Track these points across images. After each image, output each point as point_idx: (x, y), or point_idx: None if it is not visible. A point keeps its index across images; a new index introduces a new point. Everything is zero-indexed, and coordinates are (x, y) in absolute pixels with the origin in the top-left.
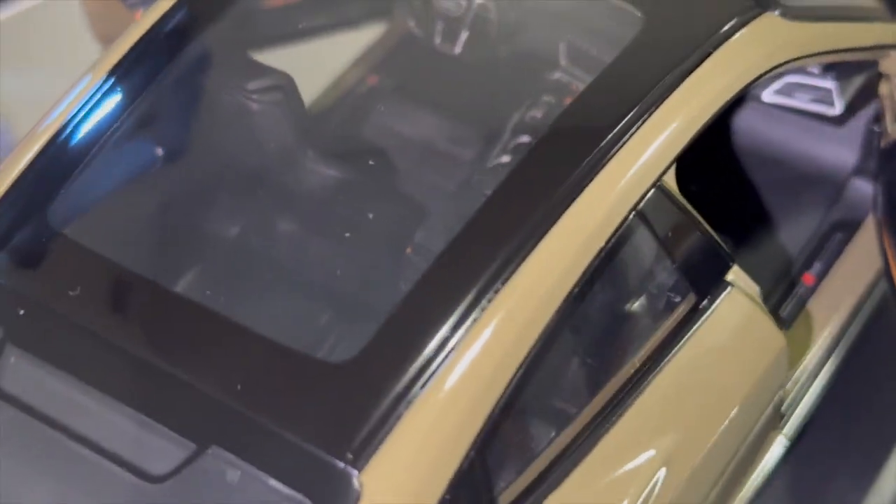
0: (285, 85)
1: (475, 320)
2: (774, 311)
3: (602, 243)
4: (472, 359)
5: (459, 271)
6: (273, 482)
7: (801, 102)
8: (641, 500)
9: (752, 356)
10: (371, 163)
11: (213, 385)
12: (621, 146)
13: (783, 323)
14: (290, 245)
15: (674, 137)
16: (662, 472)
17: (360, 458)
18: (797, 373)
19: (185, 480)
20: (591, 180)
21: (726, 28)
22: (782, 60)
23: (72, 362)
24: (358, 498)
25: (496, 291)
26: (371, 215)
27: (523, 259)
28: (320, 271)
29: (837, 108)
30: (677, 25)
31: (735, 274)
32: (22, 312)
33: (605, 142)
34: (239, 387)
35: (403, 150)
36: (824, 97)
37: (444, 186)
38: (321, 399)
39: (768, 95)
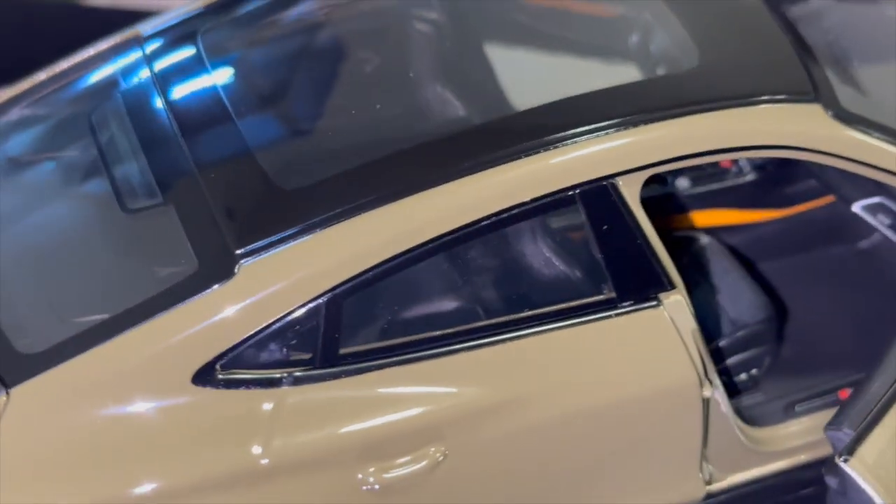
0: None
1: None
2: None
3: (512, 203)
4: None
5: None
6: None
7: (879, 224)
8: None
9: (644, 376)
10: None
11: None
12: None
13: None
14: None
15: (642, 153)
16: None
17: None
18: None
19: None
20: (534, 154)
21: (767, 96)
22: (806, 146)
23: None
24: None
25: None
26: None
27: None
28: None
29: None
30: (723, 74)
31: (672, 299)
32: None
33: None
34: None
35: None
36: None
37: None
38: None
39: (857, 207)
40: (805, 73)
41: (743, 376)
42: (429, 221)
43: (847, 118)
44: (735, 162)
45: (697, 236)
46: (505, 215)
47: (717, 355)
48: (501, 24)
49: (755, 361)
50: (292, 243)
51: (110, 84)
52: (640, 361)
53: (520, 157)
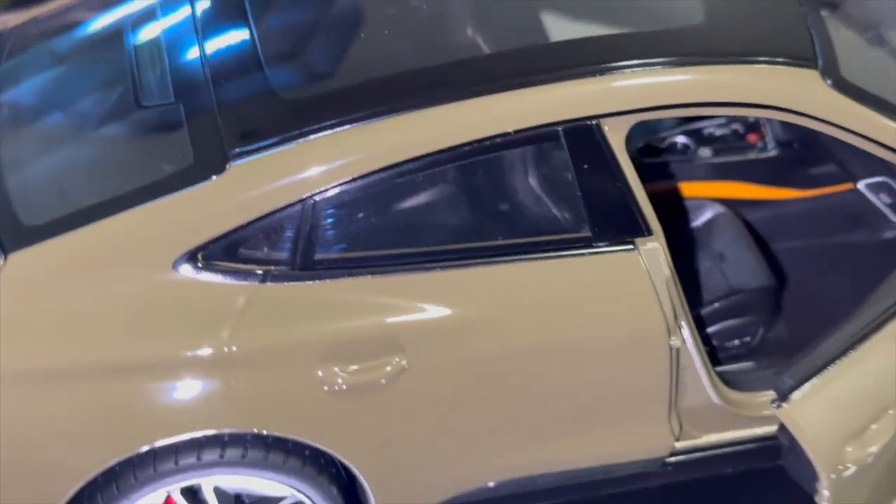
0: None
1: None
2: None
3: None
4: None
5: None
6: None
7: (879, 202)
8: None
9: (611, 317)
10: None
11: None
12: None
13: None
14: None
15: (629, 96)
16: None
17: None
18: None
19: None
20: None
21: (765, 57)
22: (797, 109)
23: None
24: None
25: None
26: None
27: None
28: None
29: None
30: (724, 32)
31: (649, 246)
32: None
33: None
34: None
35: None
36: (894, 203)
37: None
38: None
39: (861, 185)
40: (809, 41)
41: (736, 342)
42: (413, 141)
43: (844, 87)
44: (761, 137)
45: (714, 204)
46: (488, 143)
47: (711, 318)
48: None
49: (748, 329)
50: (281, 148)
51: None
52: (608, 302)
53: (509, 90)
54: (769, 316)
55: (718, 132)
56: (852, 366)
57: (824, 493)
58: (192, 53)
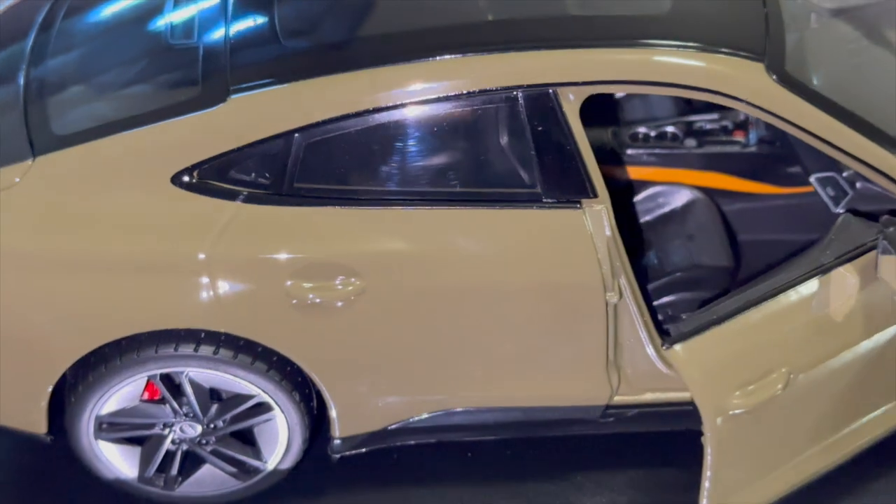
0: None
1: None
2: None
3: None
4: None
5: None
6: None
7: (824, 194)
8: None
9: (552, 267)
10: None
11: None
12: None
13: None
14: None
15: (584, 70)
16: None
17: None
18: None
19: None
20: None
21: (715, 46)
22: (738, 96)
23: None
24: None
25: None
26: None
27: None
28: None
29: (838, 209)
30: (685, 21)
31: (594, 207)
32: None
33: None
34: None
35: None
36: (836, 196)
37: None
38: None
39: (812, 178)
40: (763, 36)
41: (688, 315)
42: (386, 90)
43: (786, 80)
44: (746, 134)
45: (694, 191)
46: (455, 99)
47: (669, 287)
48: None
49: (702, 303)
50: (275, 87)
51: None
52: (551, 253)
53: (481, 54)
54: (722, 294)
55: (708, 126)
56: (750, 324)
57: (707, 435)
58: (220, 4)
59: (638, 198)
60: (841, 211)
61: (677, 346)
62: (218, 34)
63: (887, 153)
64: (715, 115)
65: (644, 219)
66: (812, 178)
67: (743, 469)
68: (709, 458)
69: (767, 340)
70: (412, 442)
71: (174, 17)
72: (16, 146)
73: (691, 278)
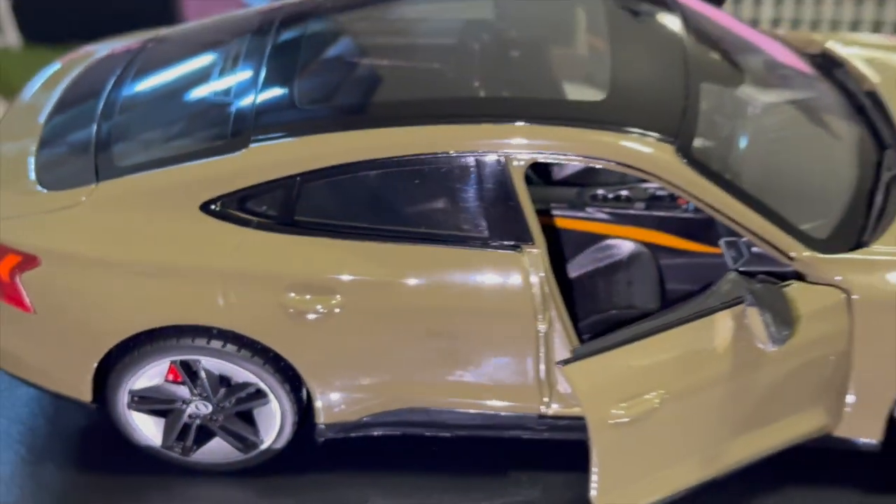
0: None
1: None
2: None
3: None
4: None
5: None
6: None
7: (728, 257)
8: None
9: (494, 297)
10: None
11: None
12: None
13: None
14: None
15: (529, 142)
16: None
17: None
18: None
19: None
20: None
21: (634, 128)
22: (648, 170)
23: None
24: None
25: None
26: None
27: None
28: None
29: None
30: (615, 106)
31: (532, 252)
32: None
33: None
34: None
35: None
36: (735, 257)
37: None
38: None
39: (721, 241)
40: (679, 119)
41: None
42: (368, 149)
43: (691, 160)
44: (686, 200)
45: (639, 245)
46: (422, 159)
47: (604, 322)
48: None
49: None
50: (287, 140)
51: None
52: (493, 287)
53: (441, 123)
54: None
55: (657, 193)
56: (634, 352)
57: (591, 438)
58: (253, 71)
59: (592, 248)
60: (737, 269)
61: (572, 365)
62: (249, 97)
63: (768, 224)
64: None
65: (595, 265)
66: (721, 241)
67: (626, 469)
68: (594, 457)
69: (647, 367)
70: (382, 433)
71: (218, 81)
72: (85, 173)
73: (624, 316)
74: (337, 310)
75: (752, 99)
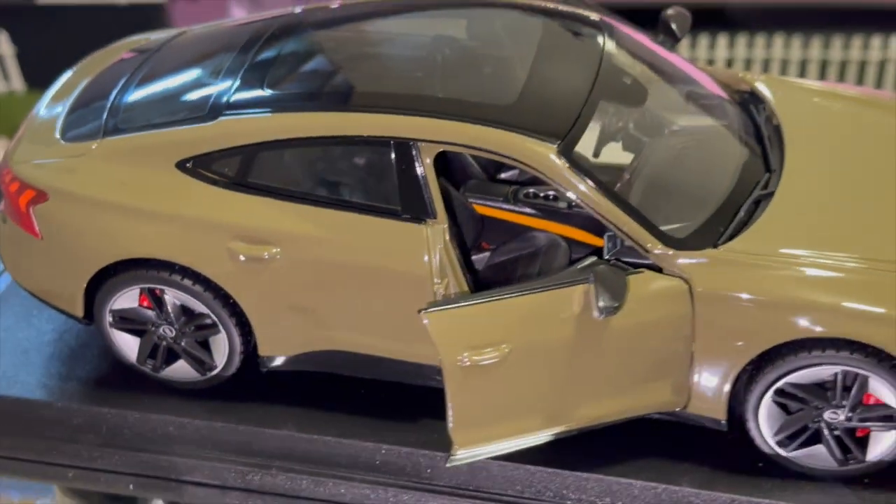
0: None
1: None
2: None
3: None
4: None
5: None
6: None
7: (607, 247)
8: None
9: (398, 257)
10: None
11: None
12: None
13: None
14: None
15: (431, 133)
16: None
17: None
18: None
19: None
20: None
21: (524, 129)
22: (534, 167)
23: None
24: None
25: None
26: None
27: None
28: None
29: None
30: (516, 109)
31: (434, 226)
32: None
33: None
34: None
35: None
36: (610, 248)
37: None
38: None
39: (605, 235)
40: (567, 126)
41: None
42: (317, 127)
43: (570, 161)
44: None
45: (556, 237)
46: (354, 140)
47: None
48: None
49: None
50: (250, 115)
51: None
52: (399, 252)
53: (373, 112)
54: None
55: None
56: (490, 309)
57: (444, 375)
58: (238, 67)
59: (519, 237)
60: (607, 258)
61: (430, 312)
62: (228, 84)
63: (631, 221)
64: None
65: (518, 252)
66: (605, 235)
67: (478, 410)
68: (447, 394)
69: (497, 323)
70: (314, 370)
71: (210, 75)
72: (94, 132)
73: None
74: (274, 259)
75: (655, 117)
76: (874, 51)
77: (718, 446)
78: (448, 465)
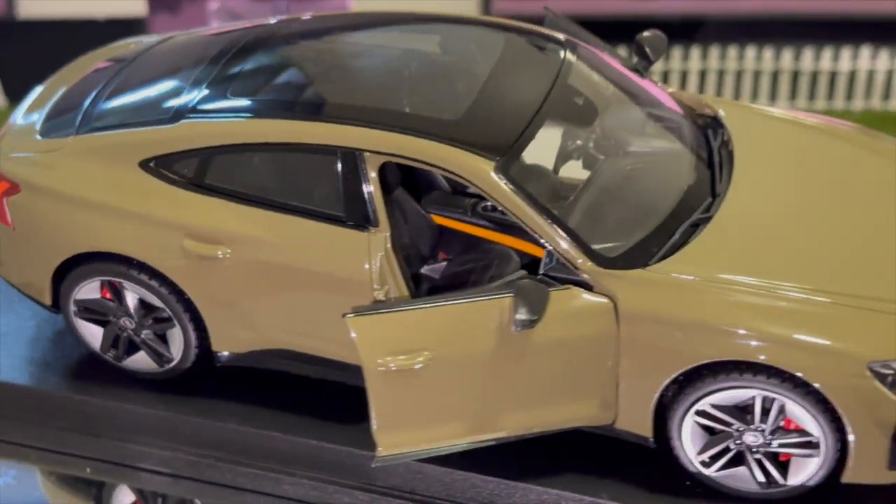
0: None
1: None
2: None
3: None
4: None
5: None
6: None
7: (545, 258)
8: None
9: (339, 263)
10: None
11: None
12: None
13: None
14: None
15: (376, 143)
16: None
17: None
18: None
19: None
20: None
21: (462, 143)
22: (472, 181)
23: None
24: None
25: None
26: None
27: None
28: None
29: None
30: (458, 124)
31: (376, 234)
32: None
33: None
34: None
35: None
36: (546, 263)
37: None
38: None
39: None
40: (509, 144)
41: None
42: (268, 133)
43: (507, 177)
44: None
45: (508, 249)
46: (303, 147)
47: None
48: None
49: None
50: (209, 119)
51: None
52: (341, 257)
53: (326, 122)
54: None
55: None
56: (413, 316)
57: (365, 380)
58: (208, 74)
59: (475, 249)
60: (541, 272)
61: (354, 317)
62: (195, 91)
63: (562, 238)
64: None
65: (474, 264)
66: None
67: (401, 414)
68: (369, 397)
69: (419, 330)
70: (266, 367)
71: (181, 83)
72: (69, 129)
73: None
74: (225, 258)
75: (614, 138)
76: (844, 62)
77: (650, 462)
78: (373, 465)
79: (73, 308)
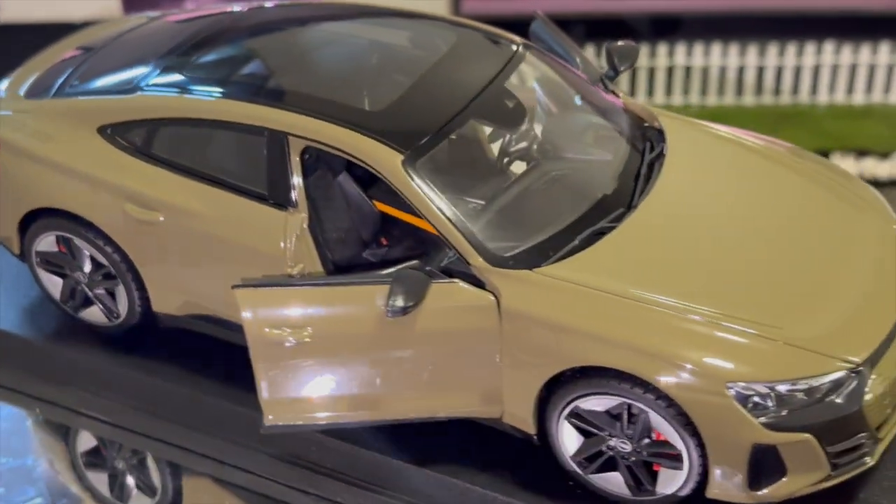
0: None
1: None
2: None
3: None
4: None
5: None
6: None
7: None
8: None
9: (259, 236)
10: None
11: None
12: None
13: None
14: None
15: (299, 128)
16: None
17: None
18: None
19: None
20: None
21: (378, 135)
22: (380, 171)
23: None
24: None
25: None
26: None
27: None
28: None
29: None
30: (379, 114)
31: (295, 215)
32: None
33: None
34: None
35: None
36: None
37: None
38: None
39: None
40: (420, 139)
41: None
42: (208, 111)
43: (413, 170)
44: None
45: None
46: (238, 125)
47: None
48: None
49: None
50: (160, 93)
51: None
52: (259, 232)
53: (259, 104)
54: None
55: None
56: (298, 294)
57: (249, 350)
58: (185, 49)
59: (413, 237)
60: (442, 264)
61: (241, 289)
62: (160, 64)
63: (457, 233)
64: None
65: (411, 251)
66: None
67: (286, 386)
68: (253, 366)
69: (302, 307)
70: (200, 331)
71: (151, 55)
72: (47, 92)
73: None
74: (159, 224)
75: (549, 143)
76: (808, 56)
77: (536, 458)
78: (262, 432)
79: (35, 259)
